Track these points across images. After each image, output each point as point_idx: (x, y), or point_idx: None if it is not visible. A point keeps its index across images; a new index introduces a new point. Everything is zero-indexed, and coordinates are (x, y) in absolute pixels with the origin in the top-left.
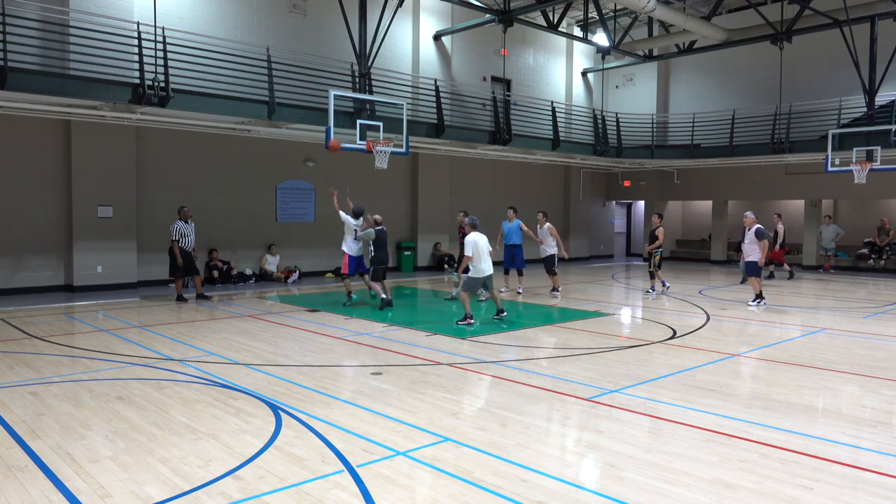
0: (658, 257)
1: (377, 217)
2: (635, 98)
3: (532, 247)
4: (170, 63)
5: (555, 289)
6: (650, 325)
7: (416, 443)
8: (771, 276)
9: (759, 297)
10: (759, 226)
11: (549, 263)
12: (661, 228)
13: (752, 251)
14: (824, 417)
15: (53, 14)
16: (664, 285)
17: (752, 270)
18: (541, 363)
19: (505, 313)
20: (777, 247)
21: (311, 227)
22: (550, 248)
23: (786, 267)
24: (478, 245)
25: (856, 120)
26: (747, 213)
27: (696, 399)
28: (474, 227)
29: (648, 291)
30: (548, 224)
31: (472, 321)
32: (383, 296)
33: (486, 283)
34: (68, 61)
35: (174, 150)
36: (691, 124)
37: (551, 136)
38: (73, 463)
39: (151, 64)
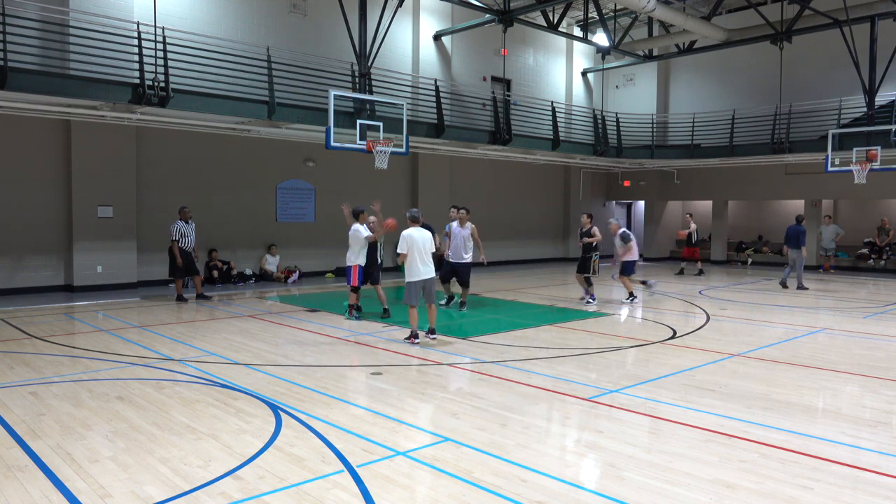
0: (597, 261)
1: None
2: (635, 98)
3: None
4: (170, 63)
5: (464, 302)
6: (650, 325)
7: (416, 443)
8: (681, 273)
9: (632, 295)
10: (623, 230)
11: (466, 273)
12: (595, 228)
13: (626, 253)
14: (824, 417)
15: (53, 14)
16: (588, 295)
17: (627, 270)
18: (541, 363)
19: (433, 338)
20: (693, 244)
21: (311, 227)
22: (469, 253)
23: (698, 265)
24: (413, 241)
25: (856, 120)
26: (611, 219)
27: (696, 399)
28: (414, 222)
29: (588, 301)
30: (470, 224)
31: (417, 340)
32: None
33: (425, 288)
34: (68, 61)
35: (174, 150)
36: (691, 124)
37: (551, 136)
38: (73, 463)
39: (151, 64)
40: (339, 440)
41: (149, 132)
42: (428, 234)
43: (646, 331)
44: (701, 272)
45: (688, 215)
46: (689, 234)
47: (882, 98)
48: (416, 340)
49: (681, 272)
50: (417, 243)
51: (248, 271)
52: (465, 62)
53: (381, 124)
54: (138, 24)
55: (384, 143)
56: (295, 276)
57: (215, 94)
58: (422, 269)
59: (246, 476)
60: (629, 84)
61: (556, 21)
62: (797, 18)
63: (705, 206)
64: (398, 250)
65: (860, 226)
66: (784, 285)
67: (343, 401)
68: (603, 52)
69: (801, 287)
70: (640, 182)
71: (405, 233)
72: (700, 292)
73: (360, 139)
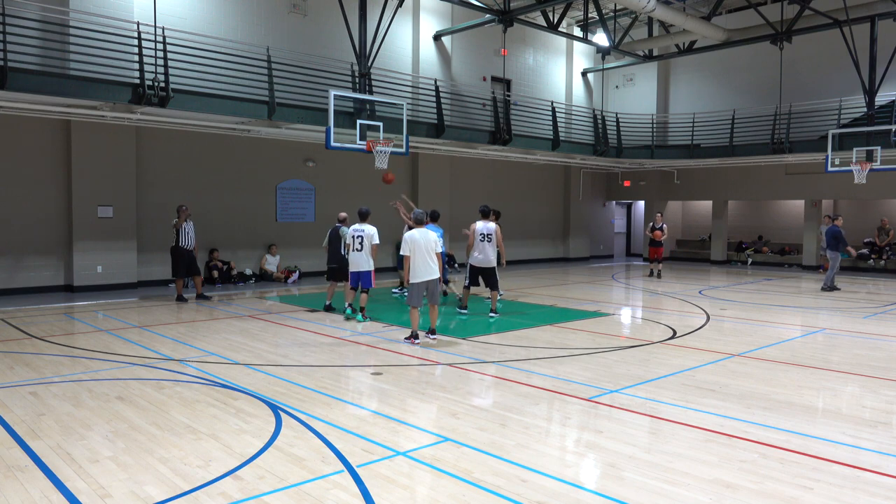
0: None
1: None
2: (635, 98)
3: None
4: (170, 63)
5: (494, 310)
6: (650, 325)
7: (416, 443)
8: (659, 274)
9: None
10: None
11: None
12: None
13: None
14: (824, 417)
15: (53, 14)
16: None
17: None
18: (541, 363)
19: (433, 338)
20: (659, 244)
21: (311, 227)
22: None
23: (659, 266)
24: (416, 243)
25: (856, 120)
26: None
27: (696, 399)
28: (419, 223)
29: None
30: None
31: (417, 341)
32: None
33: (428, 288)
34: (68, 61)
35: (174, 151)
36: (691, 124)
37: (551, 136)
38: (73, 463)
39: (151, 64)
40: (339, 440)
41: (149, 132)
42: (432, 234)
43: (646, 331)
44: (659, 274)
45: (658, 214)
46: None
47: (882, 98)
48: (416, 341)
49: (651, 274)
50: (420, 244)
51: (248, 271)
52: (465, 62)
53: (381, 124)
54: (138, 24)
55: (384, 143)
56: (295, 276)
57: (215, 94)
58: (425, 270)
59: (246, 476)
60: (629, 84)
61: (556, 21)
62: (797, 18)
63: (705, 206)
64: (401, 252)
65: (860, 226)
66: (833, 288)
67: (343, 401)
68: (603, 52)
69: (831, 288)
70: (640, 182)
71: (407, 234)
72: (700, 292)
73: (360, 139)
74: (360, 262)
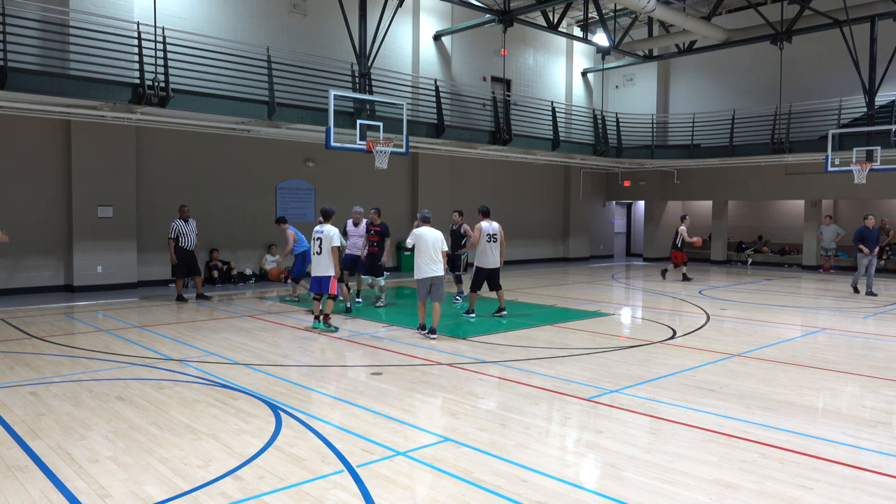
0: (467, 259)
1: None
2: (635, 98)
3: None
4: (170, 63)
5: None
6: (650, 325)
7: (416, 443)
8: (663, 275)
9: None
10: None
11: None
12: (465, 226)
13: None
14: (824, 417)
15: (53, 14)
16: (458, 293)
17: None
18: (541, 363)
19: (434, 337)
20: (680, 248)
21: (311, 228)
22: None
23: (683, 268)
24: (424, 240)
25: (856, 120)
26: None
27: (696, 399)
28: (425, 222)
29: (456, 299)
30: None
31: (424, 331)
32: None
33: (433, 285)
34: (68, 61)
35: (174, 150)
36: (691, 124)
37: (551, 136)
38: (73, 463)
39: (151, 64)
40: (339, 440)
41: (149, 132)
42: (439, 234)
43: (646, 331)
44: (664, 274)
45: (685, 216)
46: (677, 236)
47: (882, 98)
48: (424, 332)
49: (685, 278)
50: (427, 242)
51: (248, 271)
52: (465, 62)
53: (381, 124)
54: (138, 24)
55: (384, 143)
56: None
57: (215, 94)
58: (427, 268)
59: (246, 476)
60: (629, 84)
61: (556, 21)
62: (797, 18)
63: (705, 206)
64: (407, 243)
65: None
66: (857, 290)
67: (343, 401)
68: (603, 52)
69: (866, 291)
70: (640, 182)
71: (416, 230)
72: (700, 292)
73: (360, 139)
74: (320, 266)
